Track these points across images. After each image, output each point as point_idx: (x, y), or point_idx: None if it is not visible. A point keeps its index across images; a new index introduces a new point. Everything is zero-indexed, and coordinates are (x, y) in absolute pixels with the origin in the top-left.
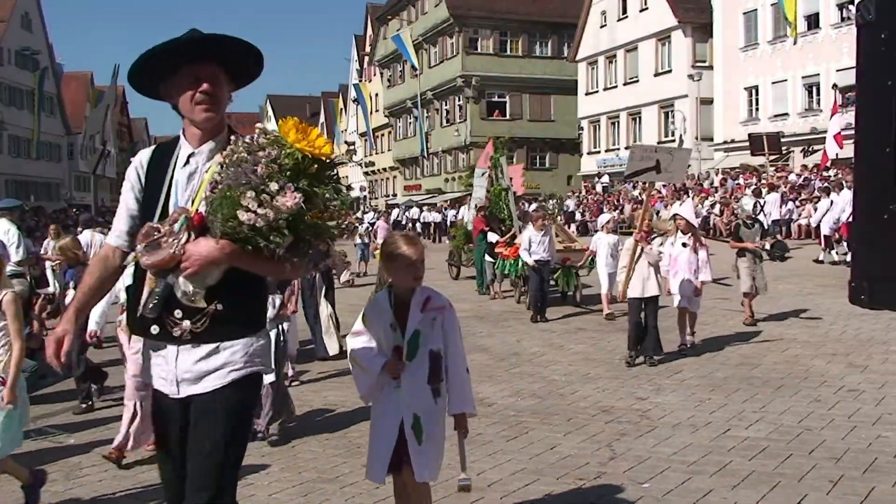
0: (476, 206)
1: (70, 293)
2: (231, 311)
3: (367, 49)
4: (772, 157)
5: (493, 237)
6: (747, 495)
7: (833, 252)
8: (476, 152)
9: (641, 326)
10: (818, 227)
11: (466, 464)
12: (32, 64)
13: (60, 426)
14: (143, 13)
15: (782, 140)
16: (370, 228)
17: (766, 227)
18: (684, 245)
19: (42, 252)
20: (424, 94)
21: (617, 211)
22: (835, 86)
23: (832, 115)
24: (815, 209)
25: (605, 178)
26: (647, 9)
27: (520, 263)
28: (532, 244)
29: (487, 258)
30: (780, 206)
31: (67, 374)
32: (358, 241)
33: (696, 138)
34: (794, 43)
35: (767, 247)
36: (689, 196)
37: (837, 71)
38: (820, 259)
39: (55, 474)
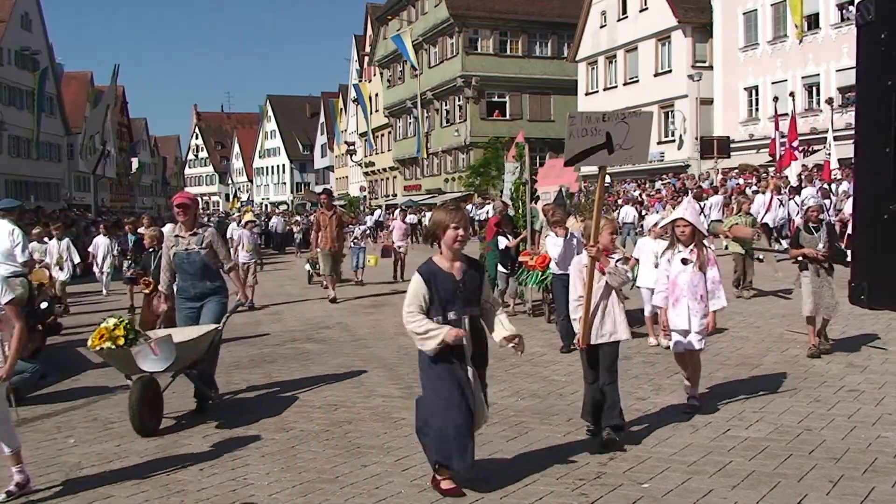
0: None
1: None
2: None
3: (367, 49)
4: (720, 160)
5: (502, 242)
6: (747, 495)
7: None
8: (476, 152)
9: (598, 388)
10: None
11: None
12: (32, 64)
13: (60, 426)
14: (143, 13)
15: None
16: (367, 231)
17: (835, 230)
18: (685, 262)
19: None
20: (424, 94)
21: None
22: (775, 98)
23: (776, 128)
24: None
25: (606, 179)
26: (646, 9)
27: (545, 275)
28: (554, 254)
29: (500, 268)
30: (723, 209)
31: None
32: (353, 245)
33: (696, 138)
34: (800, 43)
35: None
36: (688, 195)
37: (837, 71)
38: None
39: (55, 474)
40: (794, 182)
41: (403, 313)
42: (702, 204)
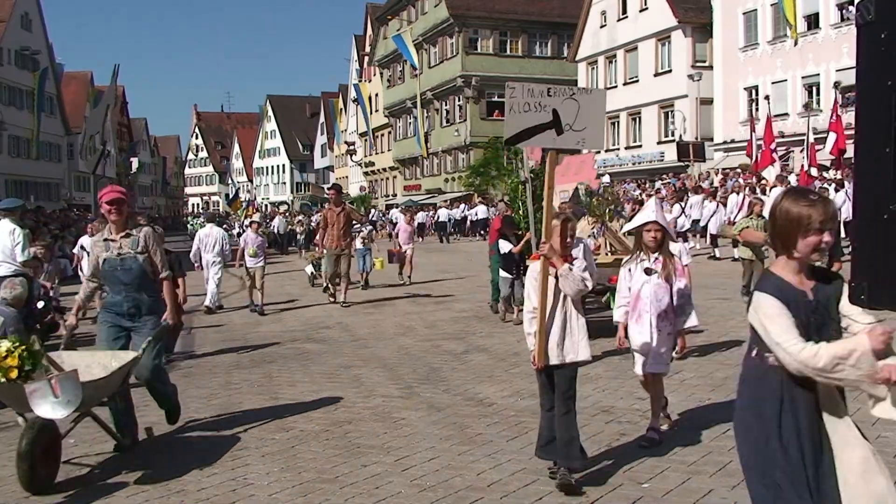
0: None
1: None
2: None
3: (367, 49)
4: (696, 163)
5: (504, 246)
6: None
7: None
8: (476, 152)
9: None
10: (705, 226)
11: None
12: (32, 64)
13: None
14: (143, 13)
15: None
16: (375, 232)
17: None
18: (648, 272)
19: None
20: (424, 94)
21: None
22: (751, 101)
23: (752, 130)
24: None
25: (606, 178)
26: (646, 9)
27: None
28: None
29: (502, 273)
30: (702, 207)
31: None
32: (360, 245)
33: (696, 138)
34: (795, 44)
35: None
36: (654, 196)
37: (837, 71)
38: (716, 256)
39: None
40: (773, 182)
41: (786, 352)
42: (682, 204)
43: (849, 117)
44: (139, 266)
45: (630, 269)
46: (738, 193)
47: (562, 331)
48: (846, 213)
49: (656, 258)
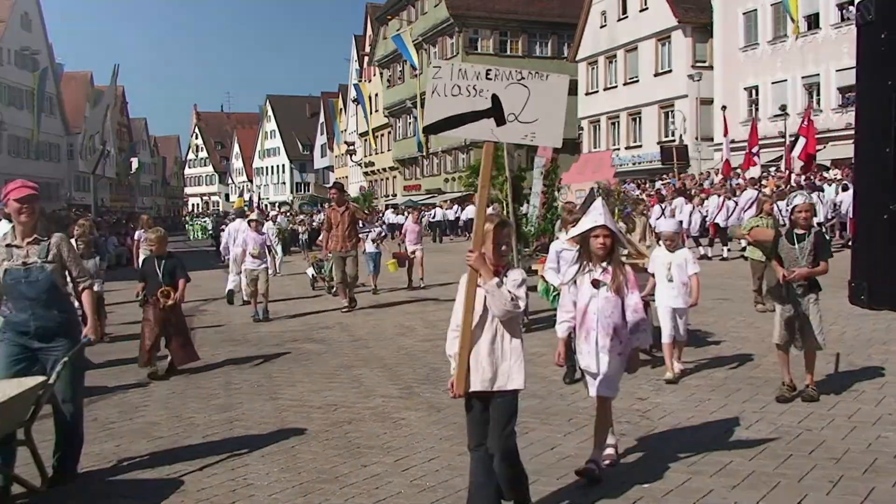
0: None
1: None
2: None
3: (367, 49)
4: (679, 166)
5: None
6: (747, 495)
7: (706, 248)
8: (476, 152)
9: (488, 457)
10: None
11: None
12: (32, 64)
13: None
14: (142, 13)
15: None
16: (382, 232)
17: (825, 241)
18: (596, 284)
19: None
20: (424, 94)
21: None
22: (724, 107)
23: (725, 134)
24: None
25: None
26: (646, 9)
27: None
28: (561, 263)
29: None
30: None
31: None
32: (370, 247)
33: (697, 138)
34: (796, 40)
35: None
36: (599, 197)
37: (837, 71)
38: (709, 256)
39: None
40: (745, 185)
41: None
42: (663, 206)
43: (848, 117)
44: (47, 278)
45: (576, 281)
46: (718, 196)
47: (489, 354)
48: (820, 216)
49: (605, 268)
